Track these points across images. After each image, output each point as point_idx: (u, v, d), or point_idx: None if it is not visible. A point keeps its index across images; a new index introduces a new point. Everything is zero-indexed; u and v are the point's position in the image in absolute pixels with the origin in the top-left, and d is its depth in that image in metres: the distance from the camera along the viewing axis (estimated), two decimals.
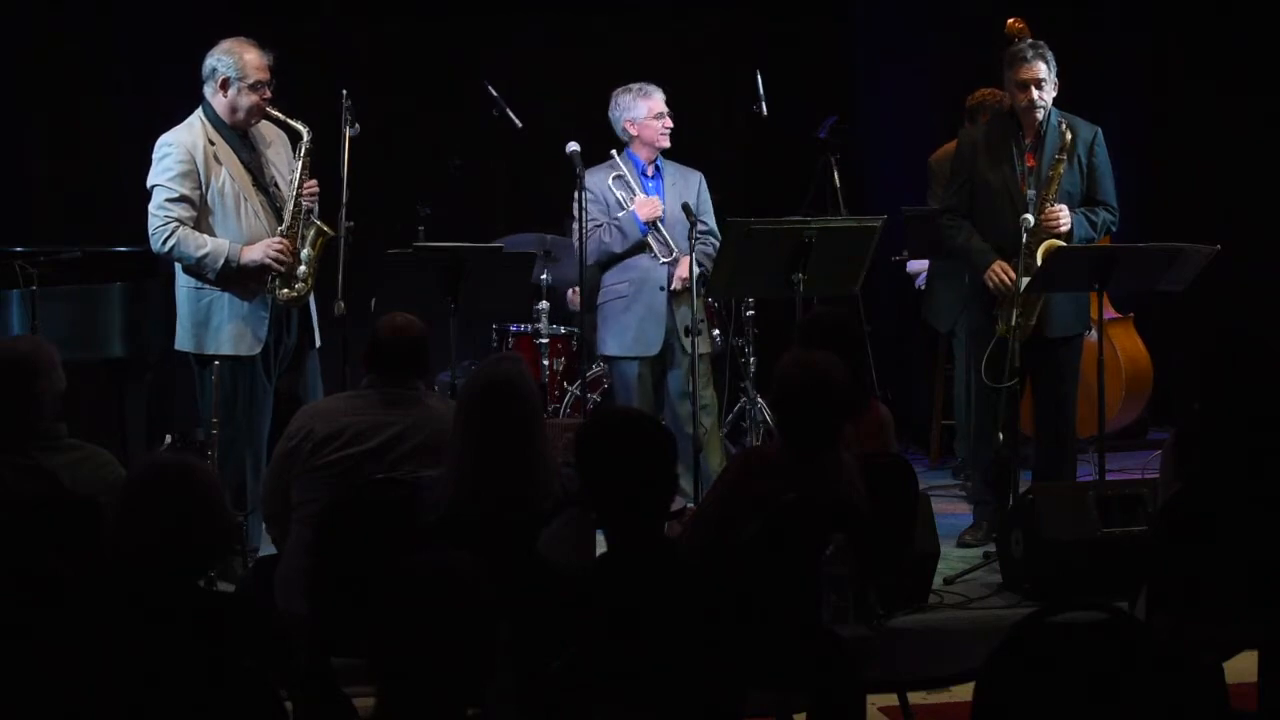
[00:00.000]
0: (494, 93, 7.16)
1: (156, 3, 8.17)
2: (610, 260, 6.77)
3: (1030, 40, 6.29)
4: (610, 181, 6.76)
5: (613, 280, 6.80)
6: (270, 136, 6.03)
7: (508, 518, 3.85)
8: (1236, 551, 3.92)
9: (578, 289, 6.81)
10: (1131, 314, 8.15)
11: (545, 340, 7.55)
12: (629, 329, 6.74)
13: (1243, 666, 3.96)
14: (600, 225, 6.72)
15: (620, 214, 6.73)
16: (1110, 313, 7.97)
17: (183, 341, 5.94)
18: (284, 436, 4.50)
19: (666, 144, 6.80)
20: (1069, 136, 6.15)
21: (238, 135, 5.92)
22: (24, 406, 4.13)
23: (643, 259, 6.76)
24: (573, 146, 6.61)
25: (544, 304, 7.58)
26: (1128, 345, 8.06)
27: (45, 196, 8.18)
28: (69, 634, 2.86)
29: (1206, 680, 3.79)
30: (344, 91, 6.13)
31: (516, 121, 7.16)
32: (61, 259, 6.54)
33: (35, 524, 3.80)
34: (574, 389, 7.40)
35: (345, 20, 8.47)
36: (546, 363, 7.53)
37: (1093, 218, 6.26)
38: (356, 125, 6.10)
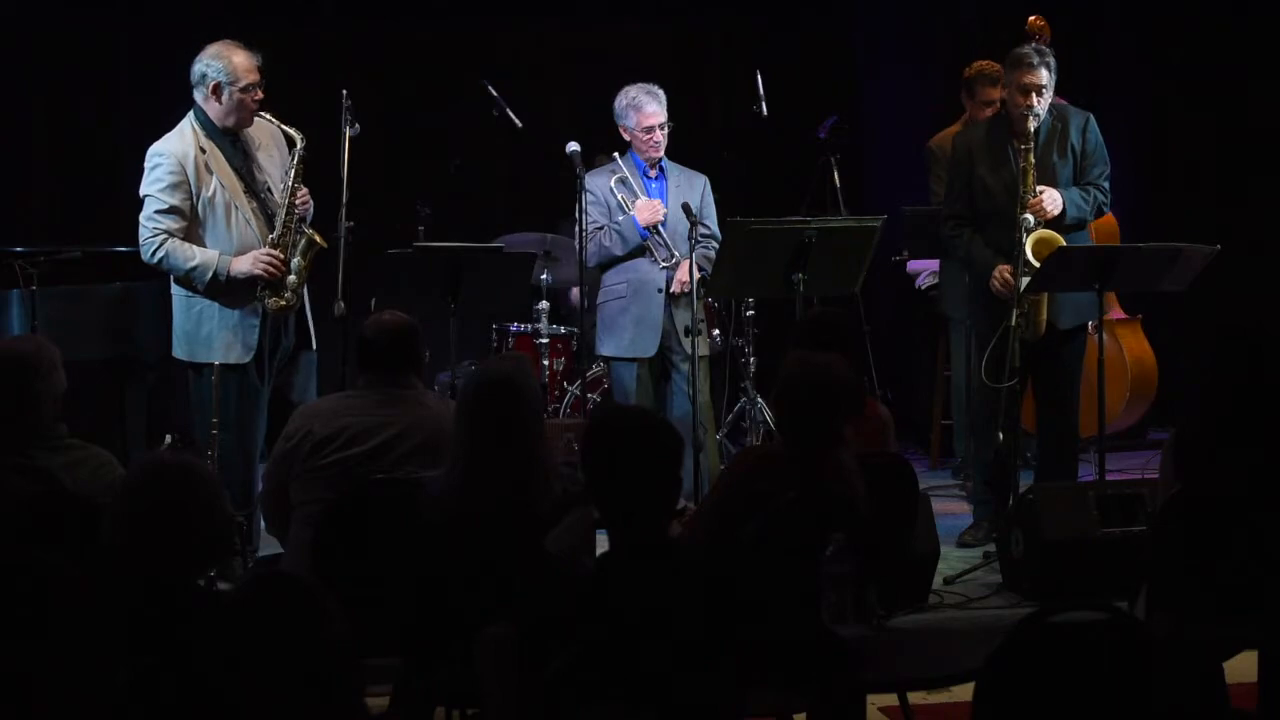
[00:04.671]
0: (494, 93, 7.16)
1: (157, 3, 8.17)
2: (610, 261, 6.77)
3: (1034, 45, 6.27)
4: (612, 184, 6.76)
5: (612, 281, 6.80)
6: (262, 139, 5.98)
7: (508, 517, 3.85)
8: (1236, 551, 3.92)
9: (576, 290, 6.80)
10: (1140, 315, 8.14)
11: (545, 340, 7.56)
12: (625, 331, 6.74)
13: (1243, 666, 3.96)
14: (601, 228, 6.72)
15: (620, 218, 6.72)
16: (1119, 314, 7.97)
17: (177, 349, 5.95)
18: (282, 437, 4.49)
19: (656, 155, 6.78)
20: (1060, 128, 6.19)
21: (229, 140, 5.89)
22: (24, 406, 4.14)
23: (642, 262, 6.75)
24: (573, 146, 6.61)
25: (544, 304, 7.59)
26: (1134, 346, 8.04)
27: (45, 196, 8.19)
28: (68, 634, 2.86)
29: (1206, 680, 3.79)
30: (344, 91, 6.13)
31: (516, 121, 7.16)
32: (61, 259, 6.54)
33: (35, 524, 3.80)
34: (574, 389, 7.41)
35: (345, 20, 8.47)
36: (546, 363, 7.54)
37: (1084, 195, 6.25)
38: (356, 125, 6.10)
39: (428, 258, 6.13)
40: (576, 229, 6.67)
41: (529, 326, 7.65)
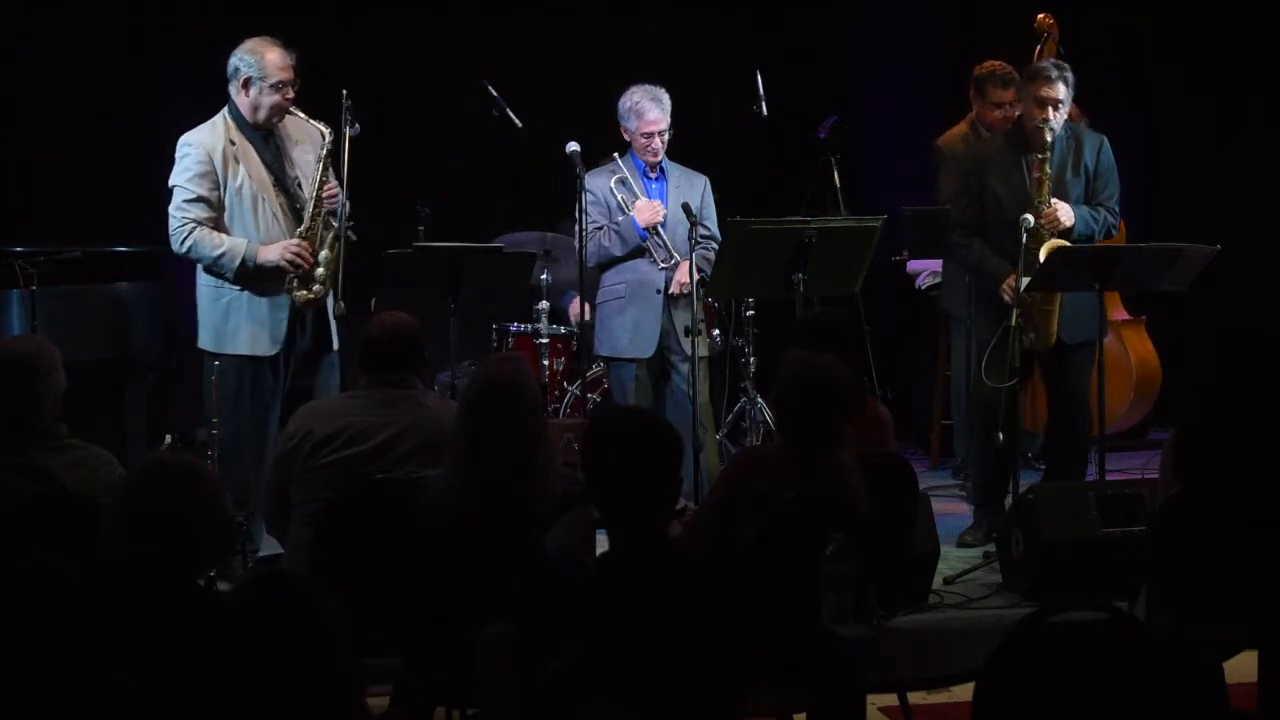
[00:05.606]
0: (494, 93, 7.15)
1: (158, 2, 8.17)
2: (610, 262, 6.77)
3: (1054, 60, 6.30)
4: (612, 184, 6.76)
5: (611, 281, 6.80)
6: (298, 136, 6.01)
7: (508, 517, 3.85)
8: (1236, 551, 3.92)
9: (577, 300, 6.79)
10: (1144, 316, 8.14)
11: (545, 340, 7.56)
12: (624, 330, 6.74)
13: (1243, 666, 3.97)
14: (600, 228, 6.72)
15: (620, 218, 6.73)
16: (1124, 314, 7.97)
17: (204, 340, 5.97)
18: (282, 437, 4.50)
19: (654, 160, 6.78)
20: (1075, 146, 6.20)
21: (261, 135, 5.92)
22: (24, 406, 4.14)
23: (641, 262, 6.76)
24: (573, 146, 6.61)
25: (544, 304, 7.59)
26: (1139, 347, 8.05)
27: (45, 196, 8.18)
28: (68, 634, 2.86)
29: (1206, 680, 3.80)
30: (344, 91, 6.13)
31: (516, 121, 7.15)
32: (61, 259, 6.55)
33: (35, 524, 3.80)
34: (574, 389, 7.41)
35: (345, 20, 8.46)
36: (546, 363, 7.54)
37: (1094, 214, 6.26)
38: (356, 125, 6.10)
39: (428, 258, 6.13)
40: (576, 229, 6.67)
41: (529, 326, 7.65)
